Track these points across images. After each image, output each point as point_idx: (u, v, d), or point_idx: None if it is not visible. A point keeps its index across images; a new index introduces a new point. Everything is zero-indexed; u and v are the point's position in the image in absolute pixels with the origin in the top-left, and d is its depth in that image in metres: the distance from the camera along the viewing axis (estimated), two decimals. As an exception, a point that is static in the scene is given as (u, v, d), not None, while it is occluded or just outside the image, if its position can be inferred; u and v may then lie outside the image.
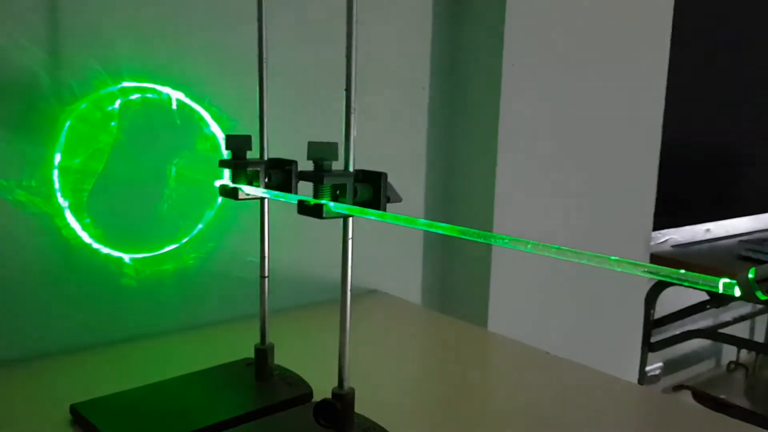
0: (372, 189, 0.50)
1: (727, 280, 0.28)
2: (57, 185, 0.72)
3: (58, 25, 0.70)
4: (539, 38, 1.05)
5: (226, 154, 0.78)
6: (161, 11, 0.77)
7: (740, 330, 2.03)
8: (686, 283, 0.30)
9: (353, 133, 0.50)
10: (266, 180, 0.60)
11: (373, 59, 0.97)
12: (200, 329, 0.83)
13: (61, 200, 0.72)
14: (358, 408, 0.54)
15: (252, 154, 0.61)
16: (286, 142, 0.67)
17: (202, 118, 0.80)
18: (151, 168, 0.78)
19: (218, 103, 0.81)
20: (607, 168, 1.21)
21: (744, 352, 1.99)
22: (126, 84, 0.75)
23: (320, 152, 0.49)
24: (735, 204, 2.08)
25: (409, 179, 1.07)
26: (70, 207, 0.73)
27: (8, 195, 0.69)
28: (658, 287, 1.60)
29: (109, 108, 0.74)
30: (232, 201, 0.61)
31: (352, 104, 0.49)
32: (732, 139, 2.04)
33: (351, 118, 0.50)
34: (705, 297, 1.63)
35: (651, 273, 0.32)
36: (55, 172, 0.72)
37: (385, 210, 0.50)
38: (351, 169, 0.50)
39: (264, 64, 0.61)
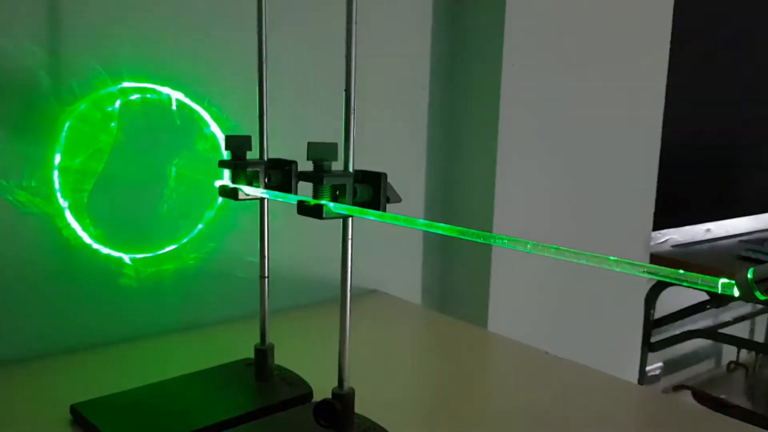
0: (372, 189, 0.50)
1: (725, 280, 0.28)
2: (57, 185, 0.72)
3: (58, 26, 0.70)
4: (539, 38, 1.05)
5: (225, 154, 0.78)
6: (161, 12, 0.77)
7: (740, 330, 2.03)
8: (685, 283, 0.30)
9: (353, 133, 0.50)
10: (266, 180, 0.60)
11: (373, 59, 0.97)
12: (200, 329, 0.83)
13: (61, 200, 0.72)
14: (358, 408, 0.54)
15: (252, 155, 0.61)
16: (285, 143, 0.67)
17: (201, 119, 0.80)
18: (151, 168, 0.78)
19: (218, 104, 0.81)
20: (607, 168, 1.21)
21: (744, 352, 1.99)
22: (126, 84, 0.75)
23: (320, 152, 0.49)
24: (735, 204, 2.08)
25: (408, 179, 1.07)
26: (71, 207, 0.73)
27: (9, 195, 0.70)
28: (658, 287, 1.60)
29: (109, 108, 0.74)
30: (232, 201, 0.61)
31: (352, 104, 0.49)
32: (732, 139, 2.04)
33: (351, 119, 0.50)
34: (705, 297, 1.63)
35: (650, 273, 0.32)
36: (56, 173, 0.72)
37: (384, 210, 0.50)
38: (351, 169, 0.50)
39: (264, 65, 0.61)
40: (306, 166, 0.51)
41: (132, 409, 0.59)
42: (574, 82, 1.12)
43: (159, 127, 0.78)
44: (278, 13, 0.83)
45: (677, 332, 1.73)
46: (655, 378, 1.82)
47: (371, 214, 0.48)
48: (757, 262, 1.60)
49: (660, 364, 1.84)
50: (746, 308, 2.04)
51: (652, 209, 1.32)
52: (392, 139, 1.02)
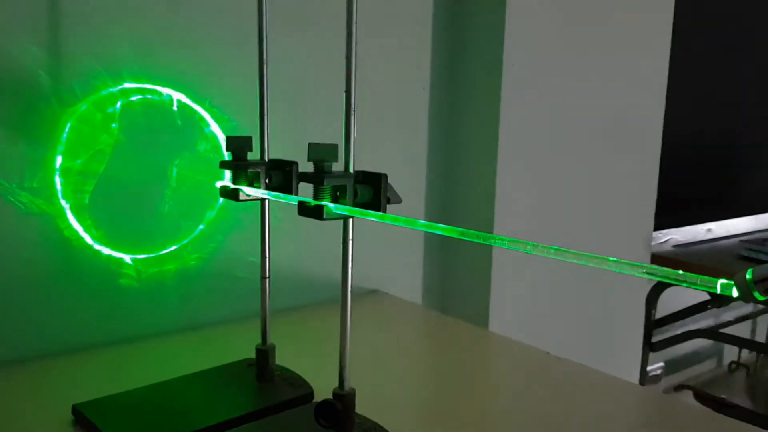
0: (372, 190, 0.50)
1: (724, 280, 0.29)
2: (58, 186, 0.72)
3: (59, 27, 0.70)
4: (540, 38, 1.05)
5: (226, 155, 0.78)
6: (162, 12, 0.77)
7: (741, 330, 2.03)
8: (684, 284, 0.30)
9: (353, 134, 0.50)
10: (267, 181, 0.60)
11: (374, 60, 0.97)
12: (202, 330, 0.84)
13: (62, 201, 0.72)
14: (359, 408, 0.54)
15: (253, 156, 0.61)
16: (286, 144, 0.68)
17: (203, 119, 0.80)
18: (152, 169, 0.78)
19: (219, 104, 0.81)
20: (607, 168, 1.21)
21: (745, 352, 1.99)
22: (127, 85, 0.75)
23: (320, 153, 0.49)
24: (736, 204, 2.08)
25: (409, 180, 1.07)
26: (72, 208, 0.73)
27: (10, 196, 0.70)
28: (659, 287, 1.60)
29: (110, 109, 0.74)
30: (232, 202, 0.61)
31: (352, 105, 0.50)
32: (733, 139, 2.04)
33: (351, 120, 0.50)
34: (706, 297, 1.63)
35: (650, 274, 0.32)
36: (57, 174, 0.72)
37: (385, 211, 0.50)
38: (351, 170, 0.51)
39: (264, 66, 0.61)
40: (307, 167, 0.51)
41: (134, 410, 0.59)
42: (575, 81, 1.12)
43: (160, 128, 0.78)
44: (279, 14, 0.83)
45: (678, 332, 1.73)
46: (657, 378, 1.82)
47: (372, 215, 0.48)
48: (758, 262, 1.60)
49: (661, 364, 1.84)
50: (747, 308, 2.04)
51: (653, 209, 1.32)
52: (393, 140, 1.03)
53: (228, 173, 0.61)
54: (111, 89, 0.74)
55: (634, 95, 1.23)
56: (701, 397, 1.77)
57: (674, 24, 1.27)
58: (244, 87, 0.74)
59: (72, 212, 0.73)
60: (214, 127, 0.81)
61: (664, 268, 0.32)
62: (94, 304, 0.77)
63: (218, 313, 0.86)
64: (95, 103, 0.73)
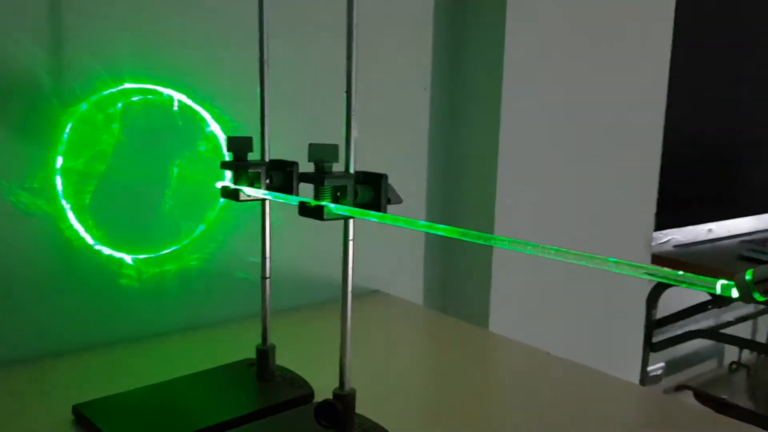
0: (373, 190, 0.50)
1: (724, 281, 0.29)
2: (59, 187, 0.72)
3: (60, 27, 0.70)
4: (540, 39, 1.05)
5: (227, 155, 0.78)
6: (163, 13, 0.77)
7: (742, 330, 2.03)
8: (684, 285, 0.30)
9: (354, 134, 0.50)
10: (267, 181, 0.60)
11: (374, 60, 0.97)
12: (202, 330, 0.84)
13: (63, 202, 0.73)
14: (359, 408, 0.54)
15: (253, 156, 0.61)
16: (287, 144, 0.68)
17: (203, 120, 0.81)
18: (153, 169, 0.79)
19: (219, 105, 0.81)
20: (608, 168, 1.21)
21: (746, 352, 1.99)
22: (127, 86, 0.75)
23: (321, 154, 0.49)
24: (737, 204, 2.08)
25: (410, 181, 1.07)
26: (73, 208, 0.73)
27: (11, 197, 0.70)
28: (660, 287, 1.60)
29: (111, 110, 0.75)
30: (233, 202, 0.61)
31: (353, 106, 0.50)
32: (734, 139, 2.04)
33: (352, 120, 0.50)
34: (707, 297, 1.63)
35: (649, 274, 0.32)
36: (58, 174, 0.72)
37: (385, 211, 0.50)
38: (352, 170, 0.51)
39: (265, 66, 0.61)
40: (307, 167, 0.51)
41: (134, 410, 0.59)
42: (576, 82, 1.12)
43: (161, 129, 0.78)
44: (279, 15, 0.83)
45: (679, 332, 1.73)
46: (657, 378, 1.82)
47: (372, 216, 0.48)
48: (759, 262, 1.60)
49: (662, 364, 1.84)
50: (748, 308, 2.04)
51: (653, 209, 1.32)
52: (393, 141, 1.03)
53: (228, 173, 0.61)
54: (112, 89, 0.74)
55: (634, 95, 1.23)
56: (702, 397, 1.77)
57: (675, 23, 1.27)
58: (245, 87, 0.74)
59: (73, 212, 0.73)
60: (215, 128, 0.81)
61: (664, 269, 0.32)
62: (95, 304, 0.77)
63: (219, 313, 0.86)
64: (96, 104, 0.73)
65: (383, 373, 0.73)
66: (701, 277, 0.29)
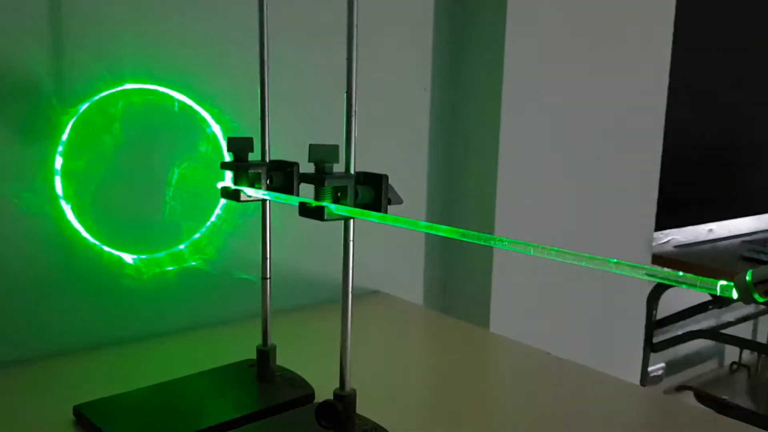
0: (373, 191, 0.51)
1: (724, 282, 0.29)
2: (60, 187, 0.72)
3: (60, 27, 0.70)
4: (541, 39, 1.05)
5: (227, 156, 0.78)
6: (163, 13, 0.77)
7: (743, 330, 2.03)
8: (684, 285, 0.30)
9: (354, 135, 0.50)
10: (268, 182, 0.60)
11: (375, 60, 0.97)
12: (203, 330, 0.84)
13: (63, 202, 0.73)
14: (360, 409, 0.54)
15: (254, 156, 0.61)
16: (287, 144, 0.68)
17: (204, 120, 0.81)
18: (153, 170, 0.79)
19: (220, 105, 0.81)
20: (609, 168, 1.21)
21: (746, 352, 1.99)
22: (128, 86, 0.75)
23: (321, 154, 0.49)
24: (737, 204, 2.08)
25: (410, 181, 1.07)
26: (74, 209, 0.73)
27: (11, 197, 0.70)
28: (661, 287, 1.60)
29: (112, 110, 0.75)
30: (234, 203, 0.61)
31: (353, 106, 0.50)
32: (734, 139, 2.04)
33: (352, 120, 0.50)
34: (707, 297, 1.63)
35: (650, 275, 0.32)
36: (58, 174, 0.72)
37: (386, 212, 0.50)
38: (352, 171, 0.51)
39: (265, 66, 0.61)
40: (308, 167, 0.51)
41: (135, 410, 0.60)
42: (576, 83, 1.12)
43: (161, 129, 0.78)
44: (280, 15, 0.83)
45: (679, 333, 1.73)
46: (658, 378, 1.82)
47: (373, 216, 0.48)
48: (760, 262, 1.60)
49: (662, 364, 1.84)
50: (749, 309, 2.04)
51: (654, 209, 1.32)
52: (394, 141, 1.03)
53: (229, 174, 0.61)
54: (112, 90, 0.74)
55: (635, 95, 1.23)
56: (702, 397, 1.77)
57: (675, 25, 1.27)
58: (246, 88, 0.74)
59: (73, 213, 0.73)
60: (215, 128, 0.81)
61: (665, 270, 0.32)
62: (96, 305, 0.77)
63: (219, 313, 0.86)
64: (97, 104, 0.73)
65: (384, 374, 0.73)
66: (701, 278, 0.29)
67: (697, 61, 1.76)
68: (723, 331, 1.89)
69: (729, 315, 1.99)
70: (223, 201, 0.83)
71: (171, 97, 0.78)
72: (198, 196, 0.82)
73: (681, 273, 0.30)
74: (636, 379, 1.43)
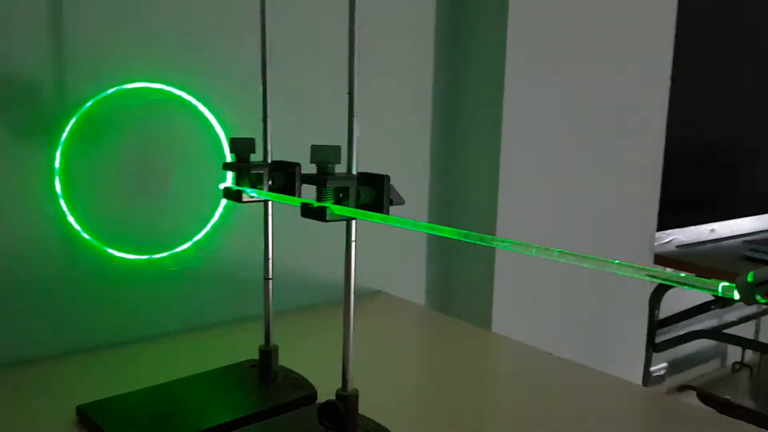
0: (375, 192, 0.51)
1: (726, 283, 0.29)
2: (61, 187, 0.72)
3: (61, 27, 0.71)
4: (542, 39, 1.05)
5: (229, 156, 0.78)
6: (165, 13, 0.77)
7: (745, 330, 2.03)
8: (686, 286, 0.30)
9: (356, 135, 0.50)
10: (270, 183, 0.60)
11: (376, 62, 0.97)
12: (205, 331, 0.84)
13: (62, 202, 0.73)
14: (362, 409, 0.54)
15: (256, 157, 0.61)
16: (289, 145, 0.68)
17: (206, 121, 0.81)
18: (155, 170, 0.79)
19: (222, 106, 0.81)
20: (611, 168, 1.21)
21: (749, 352, 1.99)
22: (130, 86, 0.75)
23: (323, 155, 0.49)
24: (739, 204, 2.07)
25: (412, 182, 1.07)
26: (75, 209, 0.73)
27: (12, 197, 0.70)
28: (662, 288, 1.59)
29: (112, 110, 0.75)
30: (235, 203, 0.61)
31: (355, 107, 0.50)
32: (736, 139, 2.04)
33: (354, 121, 0.50)
34: (710, 297, 1.62)
35: (652, 276, 0.32)
36: (58, 174, 0.72)
37: (387, 213, 0.50)
38: (354, 171, 0.51)
39: (267, 68, 0.61)
40: (309, 168, 0.51)
41: (137, 411, 0.60)
42: (578, 83, 1.12)
43: (163, 129, 0.78)
44: (282, 16, 0.83)
45: (682, 332, 1.72)
46: (660, 378, 1.82)
47: (374, 217, 0.48)
48: (762, 262, 1.60)
49: (664, 364, 1.83)
50: (751, 309, 2.04)
51: (656, 209, 1.32)
52: (395, 142, 1.03)
53: (231, 175, 0.61)
54: (113, 89, 0.74)
55: (637, 95, 1.23)
56: (704, 397, 1.77)
57: (677, 24, 1.27)
58: (248, 89, 0.74)
59: (73, 213, 0.73)
60: (218, 129, 0.81)
61: (667, 271, 0.32)
62: (97, 306, 0.77)
63: (221, 314, 0.86)
64: (98, 104, 0.73)
65: (385, 374, 0.73)
66: (703, 279, 0.29)
67: (699, 60, 1.75)
68: (725, 330, 1.89)
69: (731, 315, 1.99)
70: (224, 201, 0.83)
71: (171, 97, 0.78)
72: (200, 197, 0.82)
73: (683, 274, 0.30)
74: (638, 379, 1.43)
